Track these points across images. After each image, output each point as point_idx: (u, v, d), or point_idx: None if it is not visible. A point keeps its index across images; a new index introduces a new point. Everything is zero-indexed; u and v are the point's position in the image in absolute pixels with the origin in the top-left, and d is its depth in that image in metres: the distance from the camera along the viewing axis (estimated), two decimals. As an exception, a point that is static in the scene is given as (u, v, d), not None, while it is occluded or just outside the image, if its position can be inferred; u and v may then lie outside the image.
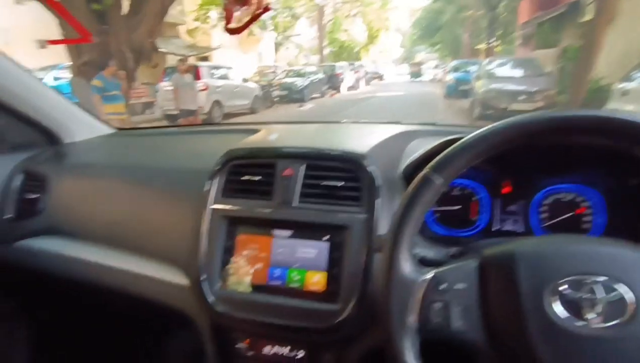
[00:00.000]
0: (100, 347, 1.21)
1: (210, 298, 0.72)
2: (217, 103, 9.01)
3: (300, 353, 0.74)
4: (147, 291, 0.86)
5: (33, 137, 1.10)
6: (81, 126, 1.16)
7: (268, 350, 0.76)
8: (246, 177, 0.76)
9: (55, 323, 1.18)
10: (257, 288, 0.72)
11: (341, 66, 17.13)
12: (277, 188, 0.74)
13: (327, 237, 0.71)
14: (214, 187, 0.78)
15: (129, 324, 1.22)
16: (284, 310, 0.69)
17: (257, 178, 0.76)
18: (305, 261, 0.71)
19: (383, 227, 0.68)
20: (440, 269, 0.48)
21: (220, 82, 9.40)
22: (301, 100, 12.09)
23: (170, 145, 1.18)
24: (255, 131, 1.03)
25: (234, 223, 0.75)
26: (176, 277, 0.80)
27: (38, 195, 1.00)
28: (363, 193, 0.71)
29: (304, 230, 0.72)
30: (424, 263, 0.51)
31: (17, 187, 1.02)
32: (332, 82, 15.55)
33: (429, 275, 0.47)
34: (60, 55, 8.42)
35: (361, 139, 0.86)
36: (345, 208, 0.71)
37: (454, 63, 13.84)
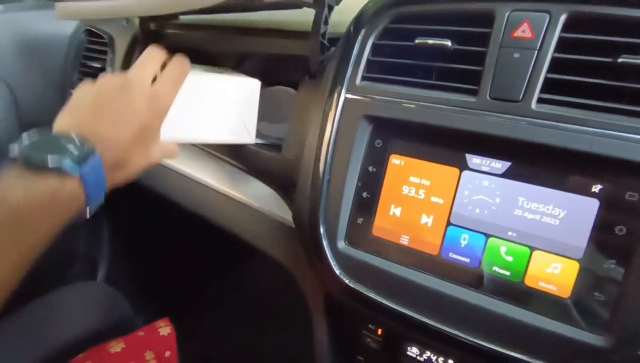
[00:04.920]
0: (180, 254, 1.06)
1: (331, 263, 0.41)
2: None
3: None
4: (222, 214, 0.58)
5: None
6: None
7: (414, 353, 0.44)
8: (420, 40, 0.38)
9: (134, 226, 1.04)
10: (417, 257, 0.38)
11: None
12: (490, 68, 0.35)
13: (599, 187, 0.32)
14: (348, 59, 0.41)
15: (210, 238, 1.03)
16: (469, 312, 0.35)
17: (446, 43, 0.37)
18: (535, 230, 0.34)
19: None
20: None
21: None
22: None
23: None
24: None
25: (386, 131, 0.40)
26: (272, 208, 0.50)
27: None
28: None
29: (542, 164, 0.34)
30: None
31: None
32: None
33: None
34: None
35: None
36: None
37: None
